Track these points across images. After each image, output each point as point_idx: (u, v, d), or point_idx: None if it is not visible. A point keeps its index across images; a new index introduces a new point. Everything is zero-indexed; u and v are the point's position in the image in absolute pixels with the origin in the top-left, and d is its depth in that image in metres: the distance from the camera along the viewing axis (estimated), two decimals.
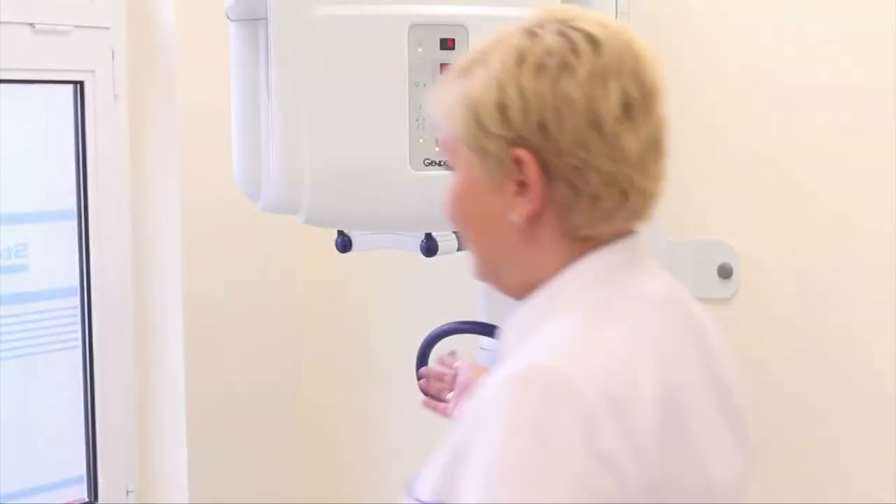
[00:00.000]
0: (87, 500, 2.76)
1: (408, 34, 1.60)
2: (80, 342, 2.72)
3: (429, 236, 1.81)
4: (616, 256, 1.16)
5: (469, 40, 1.63)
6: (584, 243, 1.15)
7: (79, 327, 2.71)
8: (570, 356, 1.07)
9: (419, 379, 1.77)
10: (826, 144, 2.24)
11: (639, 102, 1.12)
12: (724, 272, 2.34)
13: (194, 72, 2.64)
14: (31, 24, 2.52)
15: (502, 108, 1.12)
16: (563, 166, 1.11)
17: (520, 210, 1.14)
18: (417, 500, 1.15)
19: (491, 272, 1.22)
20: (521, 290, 1.18)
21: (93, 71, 2.64)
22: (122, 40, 2.68)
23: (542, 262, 1.16)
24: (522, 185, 1.13)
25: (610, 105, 1.10)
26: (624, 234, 1.17)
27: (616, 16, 2.12)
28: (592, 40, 1.12)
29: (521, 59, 1.12)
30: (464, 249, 1.89)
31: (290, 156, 1.60)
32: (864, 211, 2.21)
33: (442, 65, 1.62)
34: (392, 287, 2.70)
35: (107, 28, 2.65)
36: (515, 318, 1.19)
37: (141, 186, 2.73)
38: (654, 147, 1.14)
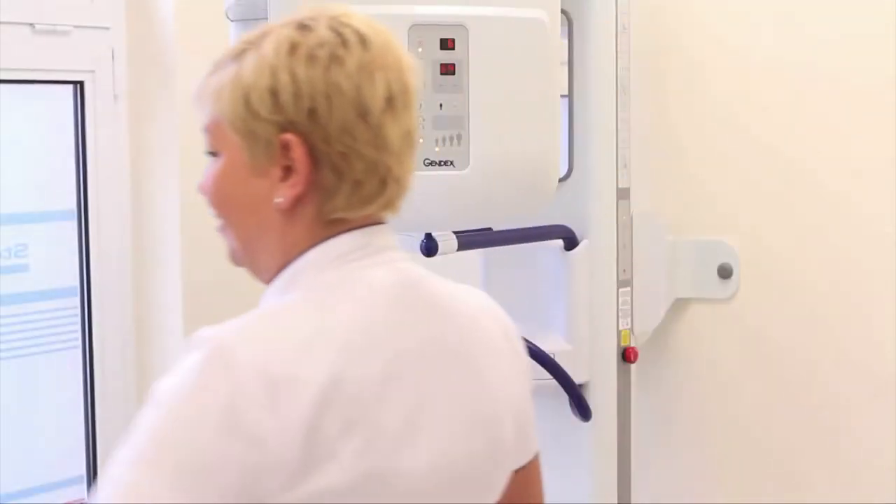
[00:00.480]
0: (87, 500, 2.76)
1: (408, 34, 1.60)
2: (80, 342, 2.72)
3: (429, 236, 1.81)
4: (354, 242, 1.18)
5: (469, 40, 1.63)
6: (332, 227, 1.18)
7: (79, 327, 2.71)
8: (245, 331, 1.11)
9: None
10: (826, 145, 2.24)
11: (399, 97, 1.17)
12: (724, 272, 2.34)
13: (194, 72, 2.62)
14: (31, 24, 2.52)
15: (274, 92, 1.16)
16: (331, 152, 1.15)
17: (285, 194, 1.16)
18: None
19: (248, 256, 1.25)
20: (274, 274, 1.21)
21: (93, 71, 2.64)
22: (122, 40, 2.68)
23: (295, 244, 1.19)
24: (288, 170, 1.16)
25: (376, 96, 1.15)
26: (372, 222, 1.19)
27: (616, 15, 2.12)
28: (361, 36, 1.17)
29: (293, 49, 1.16)
30: (464, 249, 1.89)
31: None
32: (865, 211, 2.21)
33: (442, 65, 1.62)
34: None
35: (107, 28, 2.65)
36: (264, 298, 1.22)
37: (141, 186, 2.73)
38: (408, 140, 1.19)
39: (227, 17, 1.94)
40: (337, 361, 1.09)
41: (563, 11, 1.92)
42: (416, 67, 1.20)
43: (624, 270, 2.18)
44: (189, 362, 1.07)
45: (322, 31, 1.17)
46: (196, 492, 1.03)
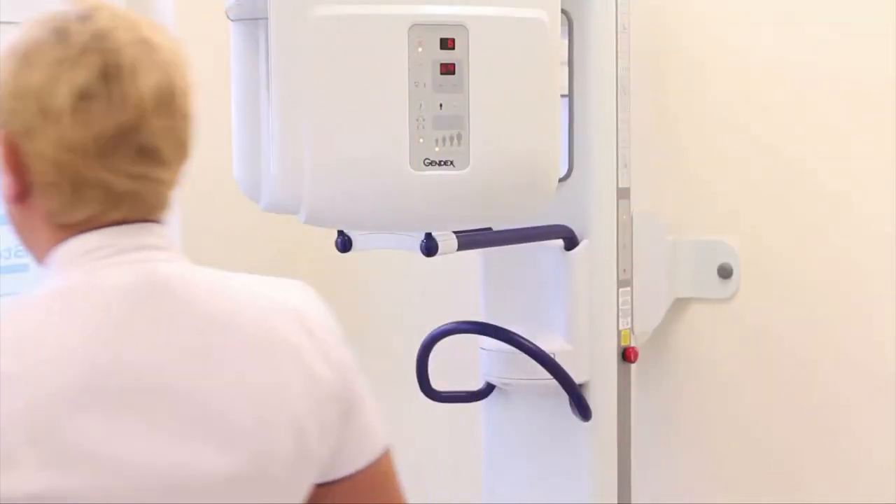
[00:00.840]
0: None
1: (408, 34, 1.60)
2: None
3: (429, 236, 1.81)
4: (83, 246, 1.12)
5: (469, 40, 1.63)
6: (67, 230, 1.13)
7: None
8: None
9: (420, 377, 1.77)
10: (827, 145, 2.23)
11: (98, 95, 1.10)
12: (724, 272, 2.34)
13: (194, 72, 2.63)
14: None
15: None
16: (27, 149, 1.11)
17: (5, 192, 1.14)
18: None
19: (28, 247, 1.21)
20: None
21: None
22: None
23: (41, 244, 1.16)
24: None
25: (62, 94, 1.09)
26: (127, 220, 1.14)
27: (616, 15, 2.12)
28: (60, 32, 1.13)
29: (13, 46, 1.17)
30: (463, 249, 1.89)
31: (290, 156, 1.60)
32: (865, 211, 2.21)
33: (442, 65, 1.62)
34: (392, 287, 2.70)
35: None
36: None
37: None
38: (113, 141, 1.10)
39: (228, 17, 1.93)
40: (38, 366, 1.04)
41: (563, 11, 1.91)
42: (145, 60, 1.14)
43: (624, 270, 2.18)
44: None
45: (40, 29, 1.16)
46: None
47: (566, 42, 2.11)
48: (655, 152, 2.35)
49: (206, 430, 1.09)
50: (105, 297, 1.09)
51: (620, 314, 2.17)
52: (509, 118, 1.67)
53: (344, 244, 1.87)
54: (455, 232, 1.85)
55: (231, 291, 1.18)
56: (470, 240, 1.92)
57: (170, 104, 1.15)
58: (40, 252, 1.17)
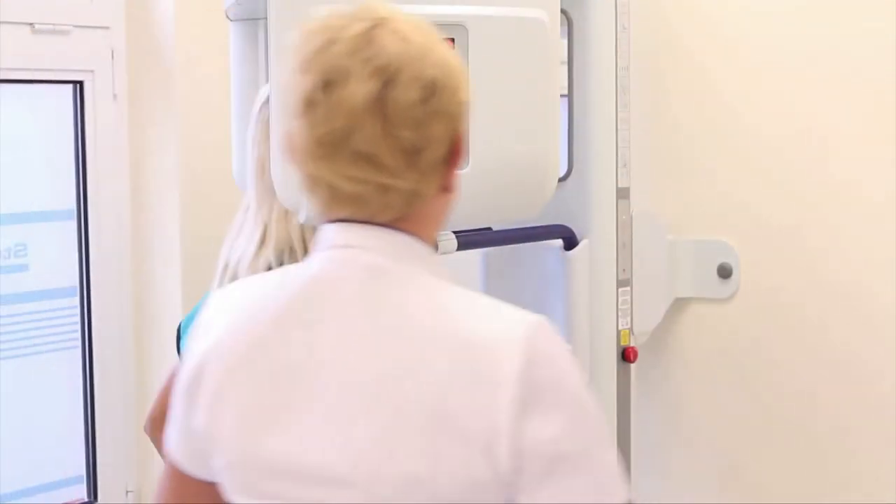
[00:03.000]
0: (86, 499, 2.76)
1: None
2: (80, 342, 2.72)
3: None
4: (323, 236, 1.22)
5: (469, 40, 1.63)
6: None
7: (79, 327, 2.71)
8: (216, 295, 1.30)
9: None
10: (827, 144, 2.23)
11: (321, 102, 1.16)
12: (724, 272, 2.34)
13: (194, 72, 2.64)
14: (30, 24, 2.52)
15: None
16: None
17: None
18: None
19: None
20: None
21: (92, 71, 2.64)
22: (122, 40, 2.68)
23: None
24: None
25: (296, 102, 1.17)
26: (345, 220, 1.21)
27: (616, 15, 2.12)
28: (302, 38, 1.19)
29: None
30: (463, 249, 1.89)
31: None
32: (865, 210, 2.21)
33: None
34: None
35: (107, 28, 2.66)
36: None
37: (141, 186, 2.73)
38: (328, 146, 1.17)
39: (227, 17, 1.94)
40: (222, 328, 1.23)
41: (563, 11, 1.91)
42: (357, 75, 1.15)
43: (624, 270, 2.18)
44: None
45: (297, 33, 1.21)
46: None
47: (566, 42, 2.11)
48: (655, 152, 2.36)
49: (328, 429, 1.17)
50: (288, 287, 1.22)
51: (620, 314, 2.17)
52: (509, 118, 1.67)
53: None
54: (455, 232, 1.85)
55: (420, 317, 1.18)
56: (470, 240, 1.92)
57: (383, 112, 1.15)
58: None
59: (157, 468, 2.75)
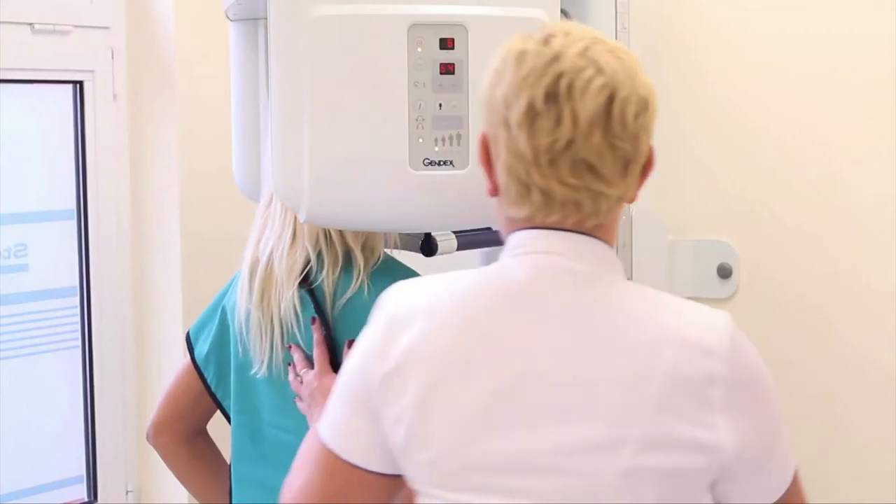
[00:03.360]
0: (86, 499, 2.76)
1: (407, 34, 1.60)
2: (80, 342, 2.72)
3: (428, 236, 1.81)
4: (523, 241, 1.30)
5: (469, 40, 1.63)
6: (514, 223, 1.32)
7: (79, 327, 2.71)
8: (401, 286, 1.35)
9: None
10: (828, 144, 2.23)
11: (546, 114, 1.25)
12: (724, 272, 2.34)
13: (194, 72, 2.64)
14: (30, 24, 2.52)
15: (480, 100, 1.33)
16: (491, 152, 1.31)
17: (487, 186, 1.34)
18: None
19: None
20: None
21: (92, 71, 2.64)
22: (122, 40, 2.68)
23: (503, 232, 1.36)
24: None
25: (518, 110, 1.25)
26: (556, 227, 1.29)
27: (616, 15, 2.12)
28: (519, 54, 1.28)
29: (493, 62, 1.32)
30: (463, 249, 1.89)
31: (290, 156, 1.60)
32: (866, 210, 2.21)
33: (442, 65, 1.62)
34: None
35: (107, 28, 2.66)
36: None
37: (141, 186, 2.73)
38: (558, 155, 1.25)
39: (227, 17, 1.94)
40: (430, 330, 1.27)
41: (562, 11, 1.91)
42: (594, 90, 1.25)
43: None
44: None
45: (504, 52, 1.30)
46: None
47: None
48: (655, 152, 2.35)
49: (553, 426, 1.23)
50: (500, 291, 1.28)
51: None
52: None
53: None
54: (455, 232, 1.85)
55: (630, 319, 1.26)
56: (470, 240, 1.92)
57: (607, 124, 1.25)
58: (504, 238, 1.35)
59: (156, 468, 2.75)
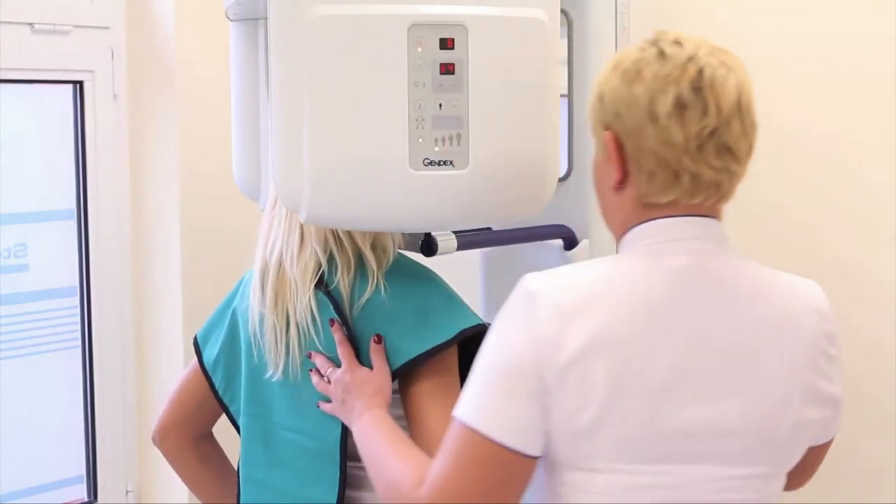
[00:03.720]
0: (86, 499, 2.76)
1: (407, 34, 1.60)
2: (80, 342, 2.72)
3: (428, 236, 1.81)
4: (660, 230, 1.45)
5: (469, 40, 1.63)
6: (649, 210, 1.45)
7: (79, 327, 2.72)
8: (550, 278, 1.42)
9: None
10: (829, 143, 2.24)
11: (692, 105, 1.40)
12: None
13: (194, 72, 2.64)
14: (30, 24, 2.52)
15: (600, 99, 1.47)
16: (630, 147, 1.43)
17: (612, 178, 1.46)
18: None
19: (608, 226, 1.54)
20: (619, 241, 1.51)
21: (92, 71, 2.65)
22: (122, 40, 2.68)
23: (627, 220, 1.47)
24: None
25: (665, 104, 1.40)
26: (692, 213, 1.45)
27: (616, 15, 2.12)
28: (671, 55, 1.43)
29: (616, 65, 1.46)
30: (463, 249, 1.89)
31: (290, 156, 1.60)
32: (866, 210, 2.21)
33: (442, 65, 1.62)
34: None
35: (107, 28, 2.66)
36: None
37: (140, 186, 2.74)
38: (707, 142, 1.41)
39: (227, 17, 1.94)
40: (606, 317, 1.37)
41: (563, 11, 1.91)
42: (728, 83, 1.42)
43: None
44: (511, 297, 1.44)
45: (656, 47, 1.44)
46: None
47: (566, 42, 2.11)
48: None
49: (732, 391, 1.41)
50: (660, 275, 1.42)
51: None
52: (509, 118, 1.67)
53: None
54: (455, 232, 1.85)
55: (769, 289, 1.47)
56: (470, 240, 1.92)
57: (742, 113, 1.43)
58: (619, 228, 1.49)
59: (156, 468, 2.75)
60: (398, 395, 1.74)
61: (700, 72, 1.41)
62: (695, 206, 1.45)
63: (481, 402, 1.40)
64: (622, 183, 1.46)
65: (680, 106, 1.40)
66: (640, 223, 1.46)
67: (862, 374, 2.23)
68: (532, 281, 1.42)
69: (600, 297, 1.40)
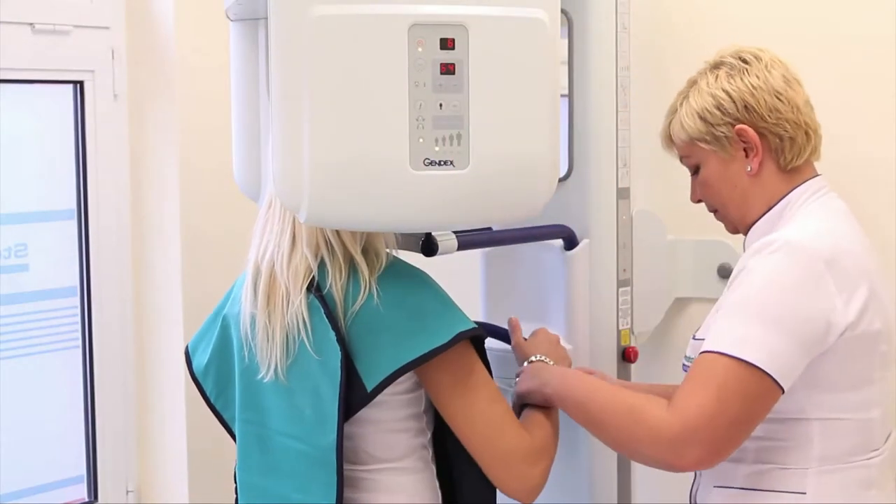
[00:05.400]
0: (87, 499, 2.76)
1: (408, 34, 1.60)
2: (80, 342, 2.72)
3: (429, 236, 1.81)
4: (820, 183, 1.80)
5: (469, 40, 1.63)
6: (793, 175, 1.79)
7: (79, 327, 2.72)
8: (804, 234, 1.68)
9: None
10: (828, 144, 2.23)
11: (791, 79, 1.79)
12: (724, 272, 2.34)
13: (194, 72, 2.64)
14: (30, 24, 2.52)
15: (718, 105, 1.78)
16: (767, 125, 1.76)
17: (752, 164, 1.78)
18: (694, 338, 1.80)
19: (740, 219, 1.83)
20: (756, 220, 1.80)
21: (93, 71, 2.65)
22: (122, 40, 2.68)
23: (774, 194, 1.79)
24: (745, 149, 1.78)
25: (777, 81, 1.78)
26: (817, 174, 1.81)
27: (616, 15, 2.12)
28: (753, 55, 1.80)
29: (715, 76, 1.80)
30: (463, 249, 1.89)
31: (290, 156, 1.59)
32: (866, 210, 2.21)
33: (442, 65, 1.62)
34: None
35: (107, 28, 2.66)
36: (755, 230, 1.80)
37: (140, 186, 2.74)
38: (809, 104, 1.80)
39: (227, 17, 1.94)
40: (841, 243, 1.69)
41: (563, 11, 1.91)
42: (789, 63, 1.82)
43: (624, 270, 2.18)
44: (777, 259, 1.65)
45: (729, 60, 1.81)
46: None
47: (566, 42, 2.11)
48: (655, 152, 2.35)
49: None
50: (845, 213, 1.78)
51: (620, 314, 2.17)
52: (509, 118, 1.67)
53: None
54: (455, 232, 1.84)
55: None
56: (470, 240, 1.92)
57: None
58: (763, 206, 1.79)
59: (156, 468, 2.75)
60: (408, 396, 1.74)
61: (780, 60, 1.80)
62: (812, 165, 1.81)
63: (765, 346, 1.60)
64: (758, 170, 1.77)
65: (787, 81, 1.78)
66: (794, 188, 1.78)
67: None
68: (814, 237, 1.70)
69: (859, 258, 1.70)
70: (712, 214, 2.35)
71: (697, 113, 1.80)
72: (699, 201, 1.88)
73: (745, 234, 1.83)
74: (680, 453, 1.58)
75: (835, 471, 1.69)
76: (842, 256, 1.66)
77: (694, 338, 1.80)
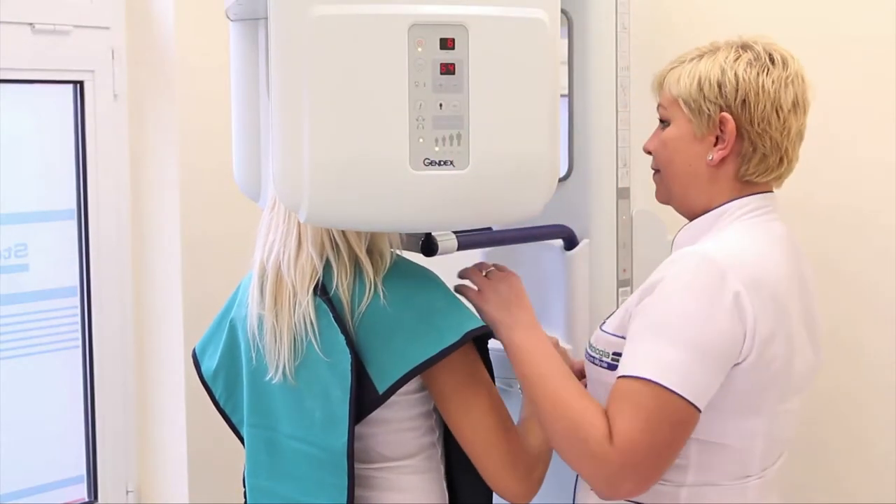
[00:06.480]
0: (86, 499, 2.76)
1: (407, 34, 1.60)
2: (80, 342, 2.72)
3: (429, 236, 1.81)
4: (762, 203, 1.73)
5: (469, 40, 1.63)
6: (746, 187, 1.73)
7: (79, 327, 2.72)
8: (726, 253, 1.63)
9: None
10: (828, 145, 2.23)
11: (801, 105, 1.72)
12: None
13: (194, 72, 2.64)
14: (30, 24, 2.52)
15: (720, 84, 1.71)
16: (751, 131, 1.70)
17: (714, 154, 1.72)
18: (602, 329, 1.74)
19: (678, 197, 1.78)
20: (696, 213, 1.75)
21: (93, 71, 2.65)
22: (122, 40, 2.68)
23: (719, 194, 1.73)
24: (717, 139, 1.71)
25: (787, 100, 1.70)
26: (769, 190, 1.75)
27: (616, 15, 2.12)
28: (783, 59, 1.72)
29: (738, 57, 1.72)
30: (463, 249, 1.89)
31: (290, 156, 1.59)
32: (866, 210, 2.21)
33: (442, 65, 1.62)
34: None
35: (107, 28, 2.66)
36: (688, 229, 1.76)
37: (141, 186, 2.74)
38: (800, 135, 1.73)
39: (227, 17, 1.94)
40: (761, 270, 1.63)
41: (563, 11, 1.91)
42: (811, 85, 1.74)
43: (624, 270, 2.18)
44: (692, 272, 1.61)
45: (758, 50, 1.72)
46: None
47: (566, 42, 2.11)
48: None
49: (815, 341, 1.76)
50: (780, 239, 1.72)
51: None
52: (509, 118, 1.67)
53: None
54: (455, 232, 1.84)
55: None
56: (470, 240, 1.92)
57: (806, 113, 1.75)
58: (705, 201, 1.74)
59: (156, 468, 2.75)
60: (418, 395, 1.74)
61: (804, 79, 1.73)
62: (769, 187, 1.75)
63: (682, 372, 1.57)
64: (724, 161, 1.71)
65: (796, 104, 1.70)
66: (738, 197, 1.72)
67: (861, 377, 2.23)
68: (722, 253, 1.64)
69: (770, 275, 1.65)
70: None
71: (699, 78, 1.72)
72: (649, 153, 1.81)
73: (678, 211, 1.80)
74: (616, 488, 1.58)
75: (708, 492, 1.68)
76: (758, 283, 1.61)
77: (601, 328, 1.75)
